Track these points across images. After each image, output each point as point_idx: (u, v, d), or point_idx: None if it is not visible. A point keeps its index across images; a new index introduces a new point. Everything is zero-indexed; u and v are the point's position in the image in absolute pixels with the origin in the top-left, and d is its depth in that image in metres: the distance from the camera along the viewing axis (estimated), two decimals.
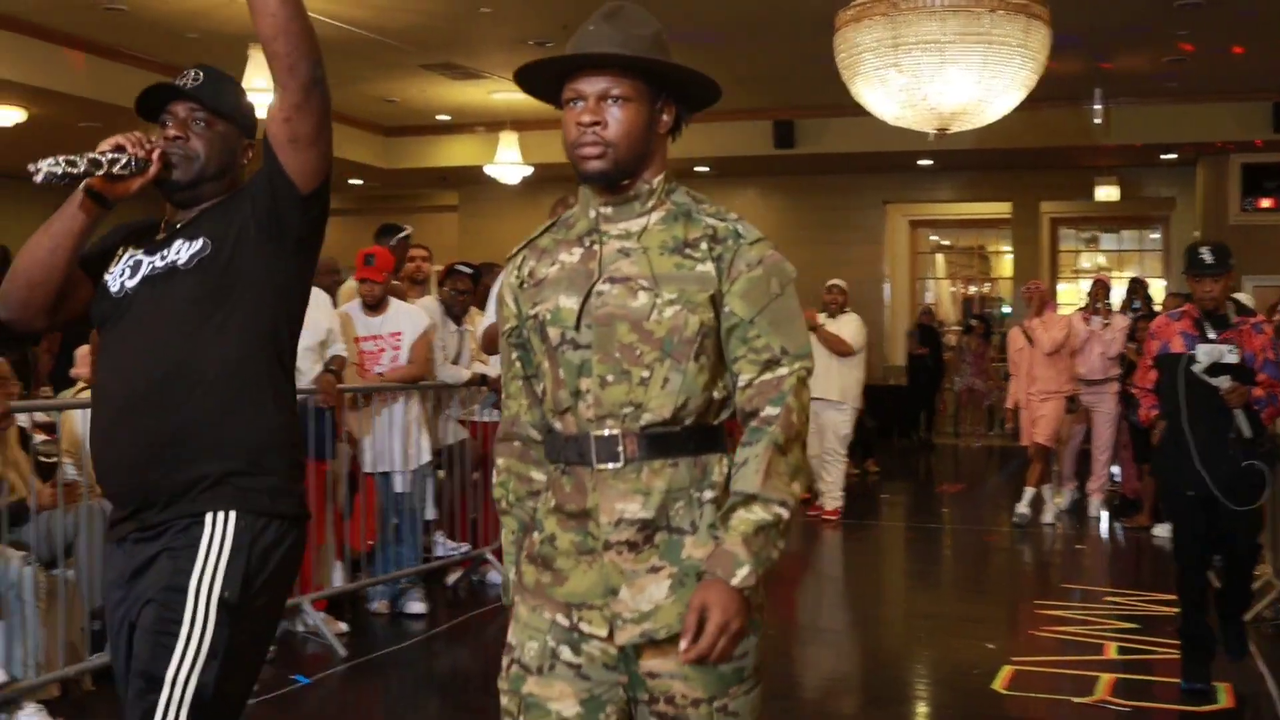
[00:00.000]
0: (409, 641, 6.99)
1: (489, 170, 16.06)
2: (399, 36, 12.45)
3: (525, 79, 2.57)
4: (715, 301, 2.47)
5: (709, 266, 2.47)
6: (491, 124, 16.29)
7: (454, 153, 17.98)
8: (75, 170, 2.62)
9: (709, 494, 2.47)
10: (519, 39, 12.37)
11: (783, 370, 2.45)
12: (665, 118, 2.55)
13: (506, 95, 14.74)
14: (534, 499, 2.66)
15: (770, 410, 2.42)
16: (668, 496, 2.46)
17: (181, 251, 2.81)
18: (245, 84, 6.15)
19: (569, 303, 2.52)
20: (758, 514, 2.37)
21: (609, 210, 2.55)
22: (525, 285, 2.62)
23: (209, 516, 2.68)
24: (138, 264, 2.85)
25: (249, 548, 2.68)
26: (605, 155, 2.47)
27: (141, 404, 2.69)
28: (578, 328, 2.51)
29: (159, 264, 2.82)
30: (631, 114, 2.48)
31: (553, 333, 2.53)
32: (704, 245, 2.48)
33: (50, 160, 2.59)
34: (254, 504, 2.71)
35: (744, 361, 2.47)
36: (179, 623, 2.61)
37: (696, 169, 17.88)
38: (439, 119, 17.12)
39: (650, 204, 2.55)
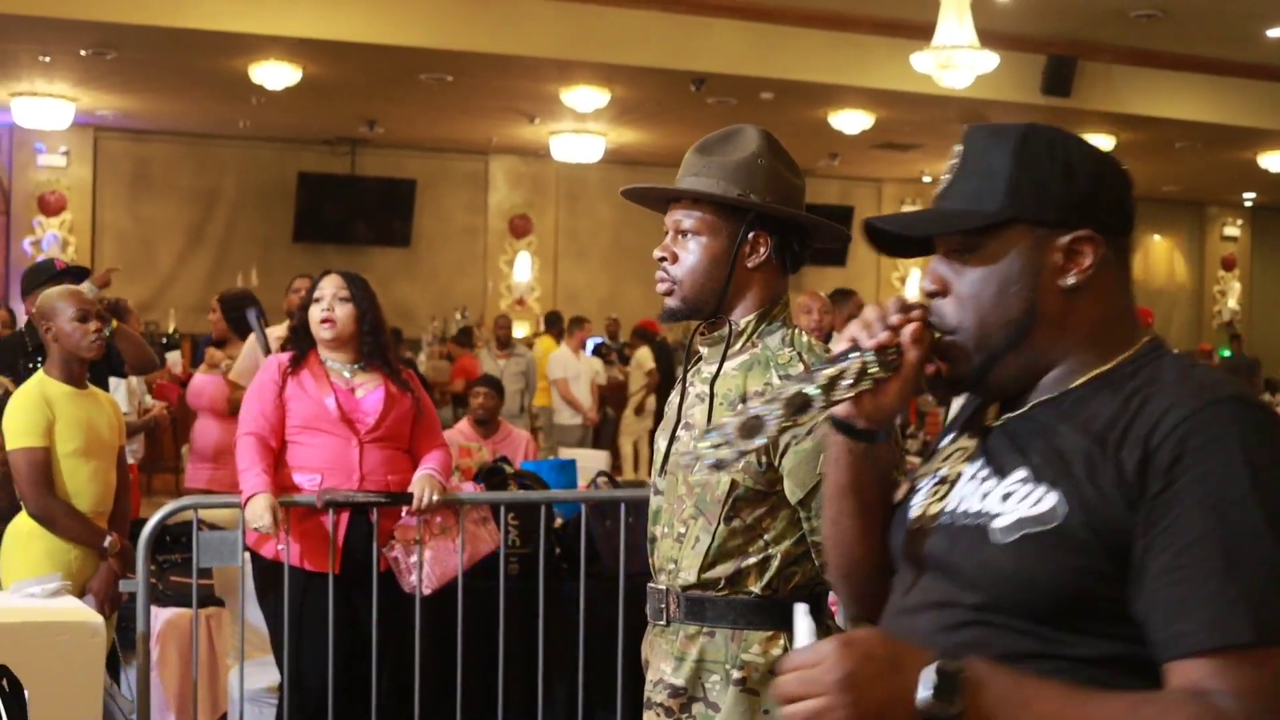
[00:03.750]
0: None
1: None
2: None
3: (629, 193, 2.52)
4: (754, 466, 2.29)
5: None
6: None
7: None
8: (804, 412, 1.51)
9: (737, 673, 2.31)
10: None
11: None
12: (760, 250, 2.38)
13: None
14: None
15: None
16: (700, 667, 2.34)
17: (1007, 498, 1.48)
18: None
19: (662, 445, 2.47)
20: None
21: (704, 349, 2.46)
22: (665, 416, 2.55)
23: None
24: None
25: None
26: (673, 293, 2.40)
27: None
28: (662, 472, 2.44)
29: (962, 507, 1.54)
30: (700, 248, 2.37)
31: (653, 474, 2.49)
32: None
33: (762, 407, 1.51)
34: None
35: (810, 543, 2.32)
36: None
37: None
38: None
39: (736, 346, 2.39)
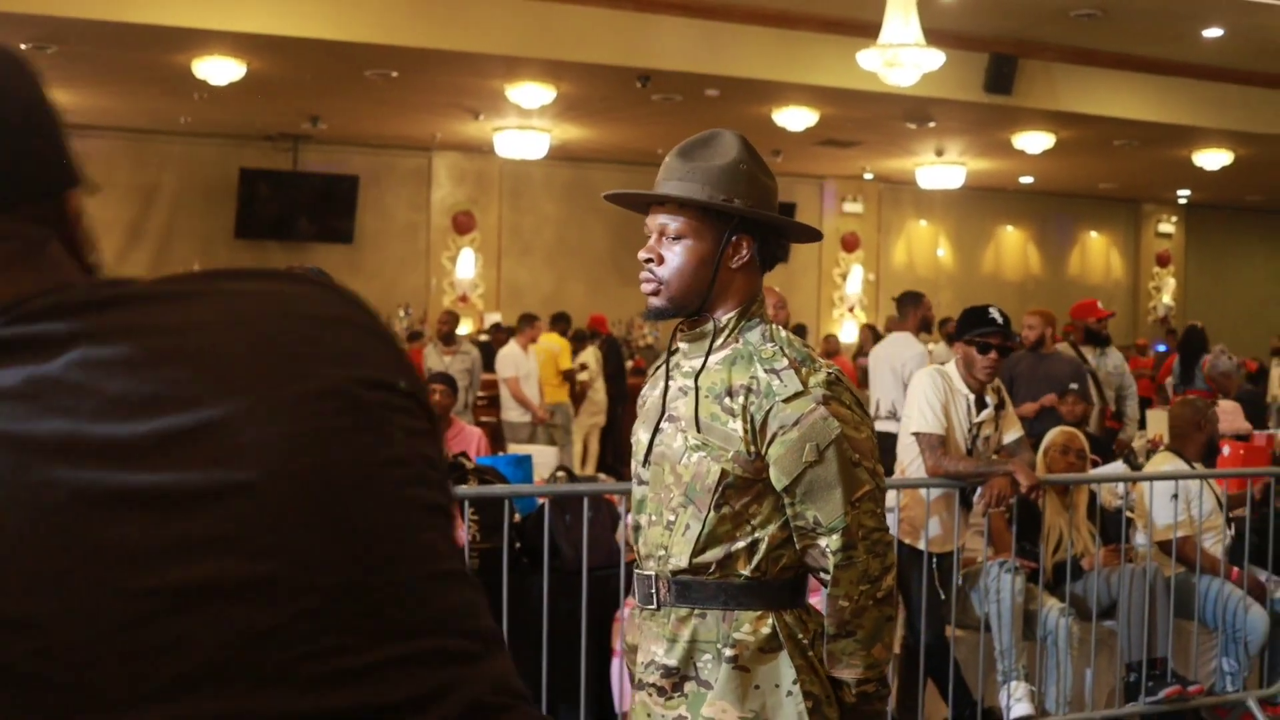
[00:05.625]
0: None
1: None
2: None
3: (613, 197, 2.59)
4: (744, 455, 2.39)
5: (737, 424, 2.40)
6: None
7: None
8: None
9: (729, 651, 2.41)
10: None
11: (822, 543, 2.39)
12: (743, 251, 2.48)
13: None
14: None
15: (828, 594, 2.41)
16: (693, 647, 2.43)
17: None
18: None
19: (644, 437, 2.55)
20: (847, 697, 2.44)
21: (685, 345, 2.54)
22: (639, 409, 2.65)
23: None
24: None
25: None
26: (659, 293, 2.48)
27: None
28: (645, 463, 2.53)
29: None
30: (686, 251, 2.45)
31: (634, 465, 2.57)
32: (741, 398, 2.41)
33: None
34: None
35: (793, 527, 2.42)
36: None
37: None
38: None
39: (719, 341, 2.48)
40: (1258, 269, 22.24)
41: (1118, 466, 7.23)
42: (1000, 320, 5.18)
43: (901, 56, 9.98)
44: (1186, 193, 20.26)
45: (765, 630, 2.40)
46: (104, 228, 12.08)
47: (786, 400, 2.38)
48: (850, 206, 19.35)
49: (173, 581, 0.89)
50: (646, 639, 2.51)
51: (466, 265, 17.35)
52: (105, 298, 1.01)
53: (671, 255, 2.46)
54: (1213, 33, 12.10)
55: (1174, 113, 13.78)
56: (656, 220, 2.49)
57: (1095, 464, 6.89)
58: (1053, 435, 6.27)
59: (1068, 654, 5.51)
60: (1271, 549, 6.17)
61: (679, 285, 2.46)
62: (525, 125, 14.19)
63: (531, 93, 12.27)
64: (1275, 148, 15.30)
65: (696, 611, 2.43)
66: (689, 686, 2.43)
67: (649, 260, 2.47)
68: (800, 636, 2.42)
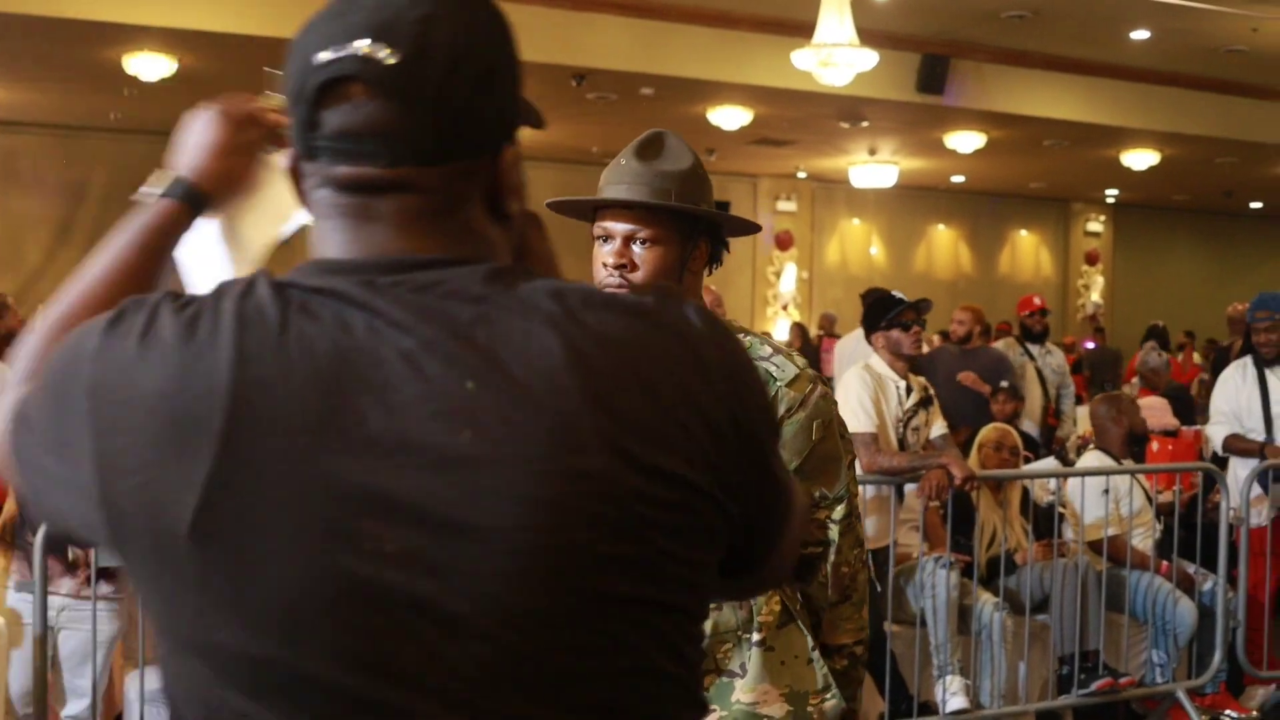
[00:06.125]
0: None
1: None
2: None
3: (557, 206, 2.54)
4: None
5: None
6: None
7: None
8: None
9: (756, 635, 2.43)
10: None
11: (824, 514, 2.44)
12: (701, 254, 2.50)
13: None
14: None
15: (831, 564, 2.44)
16: (714, 639, 2.42)
17: None
18: None
19: None
20: (838, 664, 2.49)
21: None
22: None
23: None
24: None
25: None
26: None
27: None
28: None
29: None
30: (659, 256, 2.43)
31: None
32: None
33: None
34: None
35: None
36: None
37: None
38: None
39: None
40: (1184, 267, 22.57)
41: (1050, 463, 7.32)
42: (903, 296, 5.56)
43: (835, 56, 10.07)
44: (1115, 192, 20.53)
45: (777, 607, 2.43)
46: (33, 225, 11.95)
47: (790, 384, 2.42)
48: (784, 205, 19.44)
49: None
50: None
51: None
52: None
53: (644, 262, 2.43)
54: (1140, 35, 12.28)
55: (1102, 113, 13.97)
56: (620, 226, 2.45)
57: (1029, 460, 6.98)
58: (986, 432, 6.34)
59: (1002, 648, 5.58)
60: (1200, 543, 6.28)
61: None
62: None
63: None
64: (1201, 148, 15.55)
65: (715, 605, 2.41)
66: (709, 679, 2.42)
67: (621, 266, 2.43)
68: (797, 606, 2.46)
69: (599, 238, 2.47)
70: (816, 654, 2.45)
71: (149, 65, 11.23)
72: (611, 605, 1.10)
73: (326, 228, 1.20)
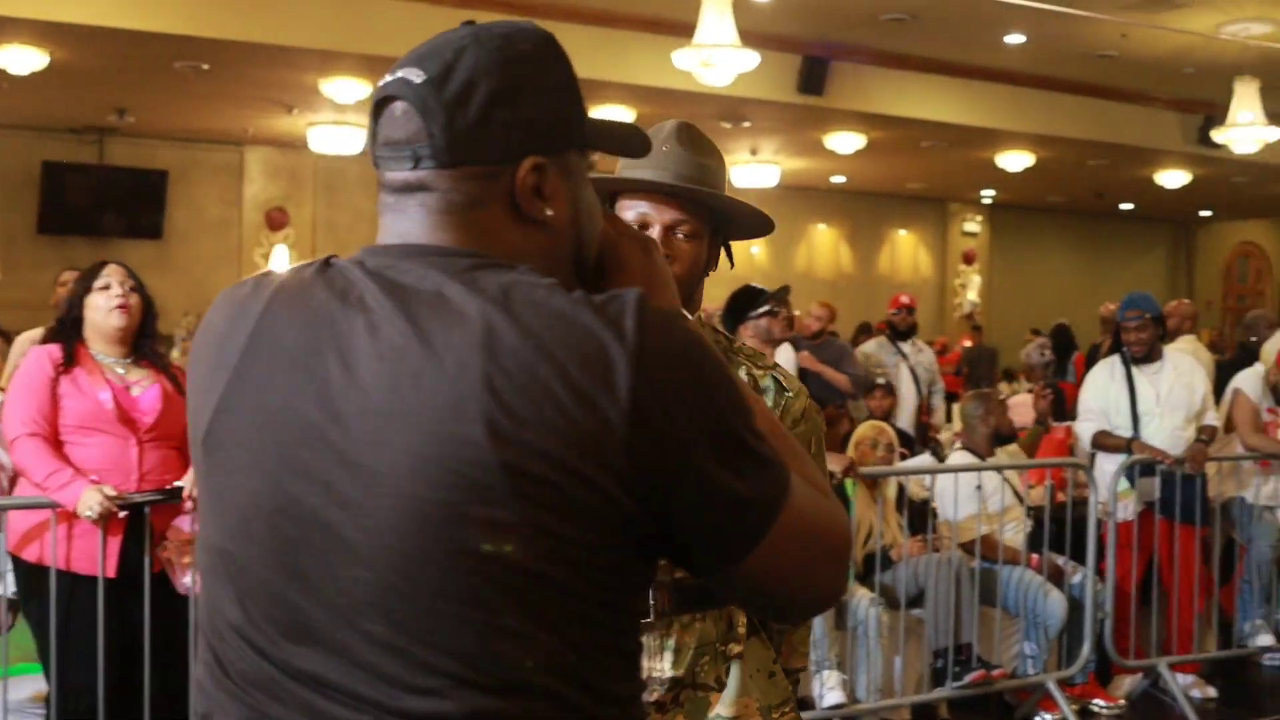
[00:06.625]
0: None
1: None
2: None
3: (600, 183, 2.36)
4: None
5: None
6: None
7: None
8: None
9: (735, 648, 2.36)
10: None
11: None
12: (715, 255, 2.38)
13: None
14: None
15: None
16: (698, 653, 2.32)
17: None
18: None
19: None
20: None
21: None
22: None
23: None
24: None
25: None
26: None
27: None
28: None
29: None
30: (696, 250, 2.30)
31: None
32: None
33: None
34: None
35: None
36: None
37: None
38: None
39: None
40: (1058, 267, 23.02)
41: (925, 459, 7.44)
42: (765, 288, 6.28)
43: (716, 57, 10.11)
44: (991, 193, 20.87)
45: (744, 621, 2.37)
46: None
47: (795, 396, 2.37)
48: None
49: None
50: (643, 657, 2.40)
51: (280, 262, 17.04)
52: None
53: (683, 255, 2.29)
54: (1015, 39, 12.50)
55: (978, 115, 14.20)
56: (665, 215, 2.30)
57: (904, 456, 7.08)
58: (862, 429, 6.43)
59: (878, 643, 5.66)
60: (1069, 536, 6.42)
61: (688, 285, 2.29)
62: (341, 120, 14.00)
63: (347, 88, 12.11)
64: (1073, 150, 15.87)
65: (698, 616, 2.34)
66: (685, 695, 2.33)
67: (666, 256, 2.24)
68: (756, 619, 2.42)
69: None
70: (778, 666, 2.43)
71: (20, 58, 10.91)
72: (472, 559, 1.25)
73: (380, 221, 1.43)
